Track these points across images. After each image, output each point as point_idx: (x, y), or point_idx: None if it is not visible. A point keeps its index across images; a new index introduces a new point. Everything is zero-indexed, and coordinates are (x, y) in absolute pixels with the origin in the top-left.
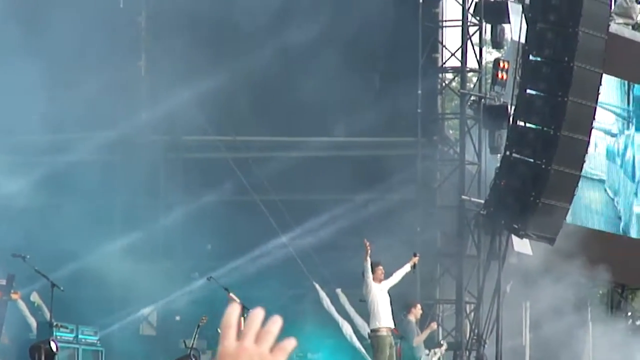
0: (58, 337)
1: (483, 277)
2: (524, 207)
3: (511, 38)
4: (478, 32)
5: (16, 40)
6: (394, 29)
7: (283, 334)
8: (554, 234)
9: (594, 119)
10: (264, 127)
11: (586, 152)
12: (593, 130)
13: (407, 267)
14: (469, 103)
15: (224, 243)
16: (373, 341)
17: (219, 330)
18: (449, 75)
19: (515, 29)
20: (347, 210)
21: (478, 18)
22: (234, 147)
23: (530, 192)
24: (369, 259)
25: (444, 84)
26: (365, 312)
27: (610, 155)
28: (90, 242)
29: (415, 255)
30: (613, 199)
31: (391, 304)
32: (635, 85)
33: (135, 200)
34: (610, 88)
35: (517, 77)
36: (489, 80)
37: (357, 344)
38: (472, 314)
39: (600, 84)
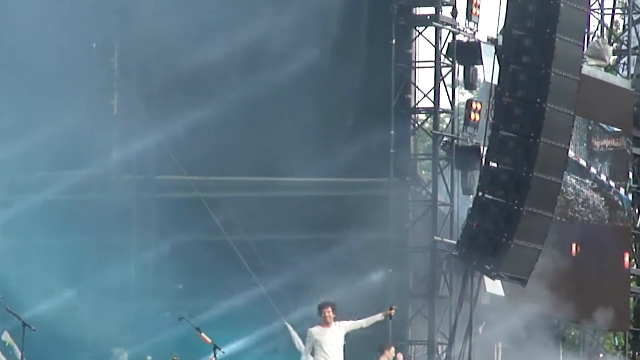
0: None
1: (455, 318)
2: (496, 248)
3: (484, 79)
4: (451, 73)
5: None
6: (366, 69)
7: None
8: (526, 275)
9: (566, 160)
10: (236, 167)
11: (558, 193)
12: None
13: (378, 316)
14: (441, 144)
15: (196, 283)
16: None
17: None
18: (422, 116)
19: (488, 70)
20: (319, 250)
21: (451, 59)
22: (207, 186)
23: (503, 233)
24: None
25: (416, 125)
26: None
27: None
28: (62, 281)
29: (391, 308)
30: None
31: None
32: None
33: (107, 239)
34: None
35: (490, 118)
36: (462, 121)
37: None
38: (444, 354)
39: (573, 126)
